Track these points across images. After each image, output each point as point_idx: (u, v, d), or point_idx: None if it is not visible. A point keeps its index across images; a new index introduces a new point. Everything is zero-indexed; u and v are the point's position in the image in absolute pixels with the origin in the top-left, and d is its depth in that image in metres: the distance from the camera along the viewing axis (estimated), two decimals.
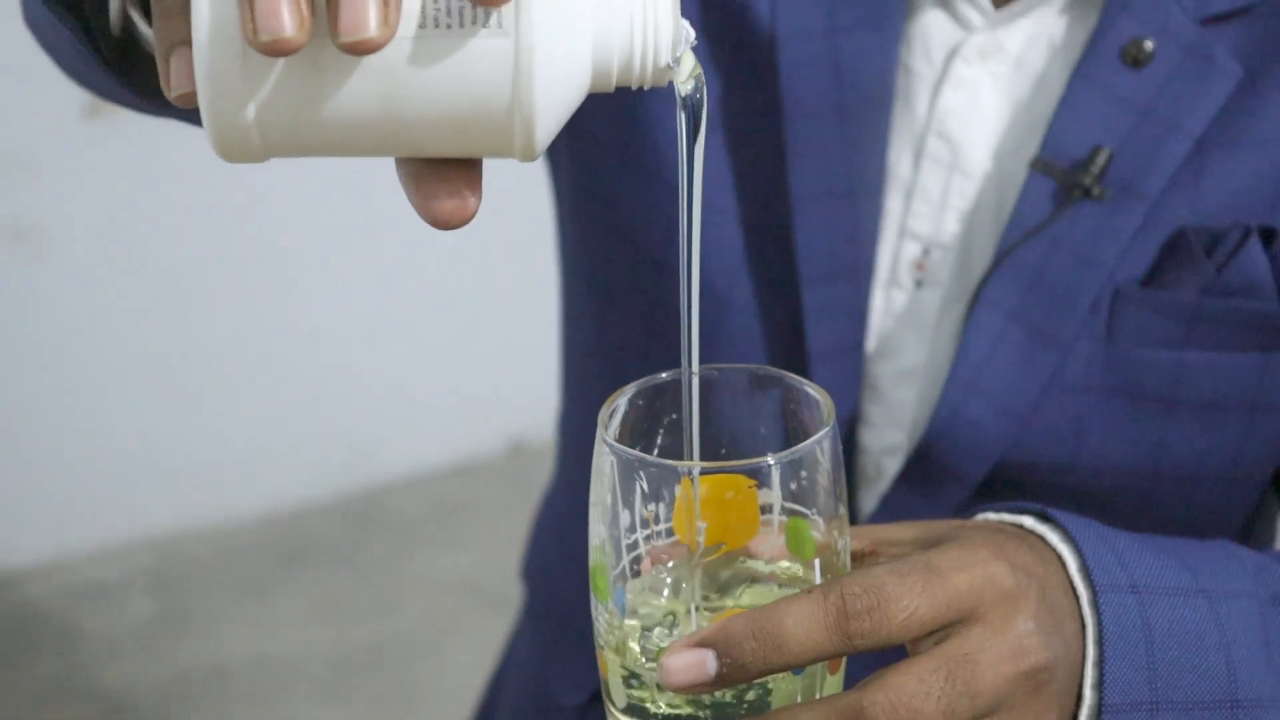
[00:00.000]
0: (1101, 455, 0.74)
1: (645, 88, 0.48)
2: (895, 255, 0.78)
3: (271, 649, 2.64)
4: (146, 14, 0.57)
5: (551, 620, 0.98)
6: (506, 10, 0.43)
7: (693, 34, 0.48)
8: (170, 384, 2.86)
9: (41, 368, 2.76)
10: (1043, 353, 0.73)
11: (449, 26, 0.42)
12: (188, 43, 0.43)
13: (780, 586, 0.55)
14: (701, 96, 0.50)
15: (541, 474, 3.12)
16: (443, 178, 0.45)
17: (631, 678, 0.54)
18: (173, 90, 0.44)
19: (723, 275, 0.77)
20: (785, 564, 0.55)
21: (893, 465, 0.79)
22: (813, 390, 0.55)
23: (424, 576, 2.81)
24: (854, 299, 0.76)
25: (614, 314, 0.84)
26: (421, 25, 0.42)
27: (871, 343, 0.78)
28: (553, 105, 0.45)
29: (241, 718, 2.48)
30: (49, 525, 2.85)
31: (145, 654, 2.64)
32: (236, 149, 0.44)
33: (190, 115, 0.61)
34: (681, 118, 0.51)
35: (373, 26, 0.40)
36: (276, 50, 0.40)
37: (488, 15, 0.43)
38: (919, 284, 0.77)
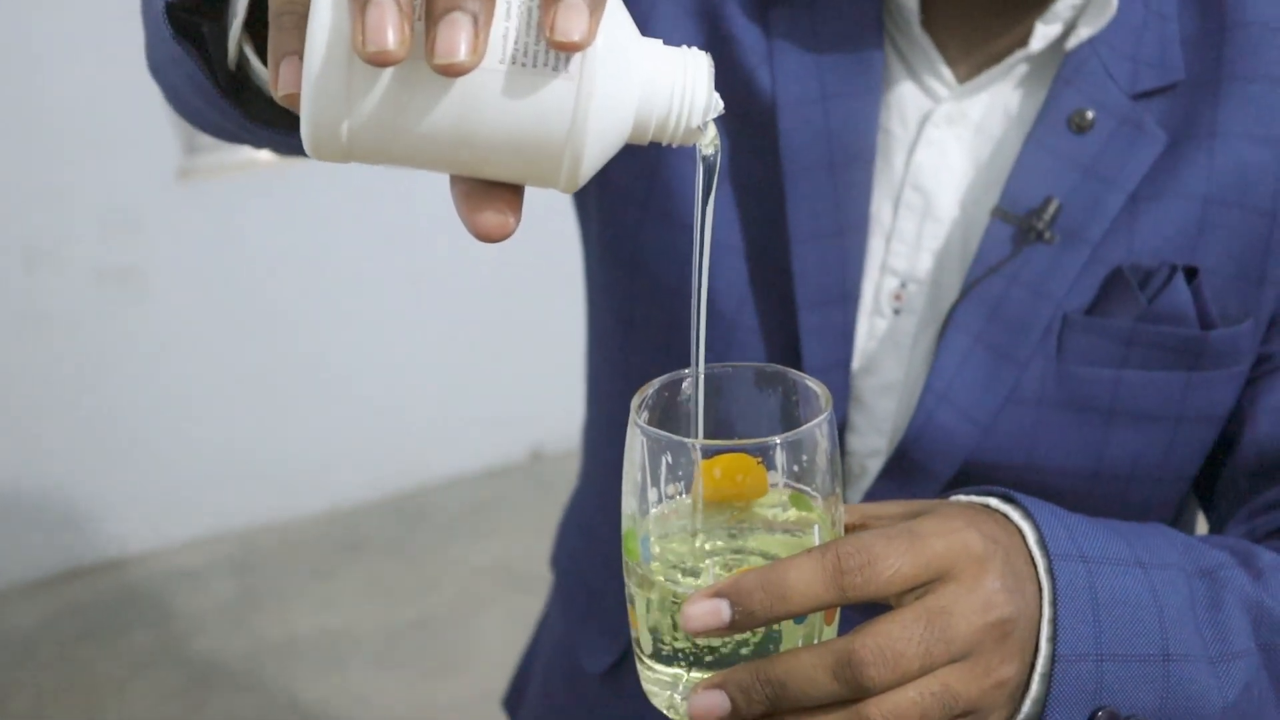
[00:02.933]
0: (1051, 458, 0.73)
1: (674, 145, 0.47)
2: (877, 288, 0.77)
3: (333, 624, 2.63)
4: (256, 49, 0.58)
5: (578, 603, 0.97)
6: (575, 58, 0.42)
7: (721, 104, 0.47)
8: (248, 402, 2.85)
9: (140, 390, 2.76)
10: (1003, 370, 0.72)
11: (524, 65, 0.42)
12: (297, 54, 0.43)
13: (783, 534, 0.54)
14: (717, 158, 0.50)
15: (558, 476, 3.15)
16: (490, 197, 0.45)
17: (658, 628, 0.53)
18: (280, 90, 0.43)
19: (730, 301, 0.77)
20: (789, 514, 0.54)
21: (875, 465, 0.78)
22: (812, 384, 0.54)
23: (461, 562, 2.80)
24: (843, 323, 0.75)
25: (635, 338, 0.83)
26: (501, 60, 0.42)
27: (857, 361, 0.77)
28: (599, 146, 0.44)
29: (307, 682, 2.47)
30: (146, 520, 2.84)
31: (226, 629, 2.62)
32: (325, 146, 0.43)
33: (283, 137, 0.62)
34: (700, 174, 0.50)
35: (463, 53, 0.40)
36: (380, 61, 0.39)
37: (559, 60, 0.42)
38: (897, 312, 0.77)
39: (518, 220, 0.45)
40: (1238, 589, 0.59)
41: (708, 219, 0.51)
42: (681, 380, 0.55)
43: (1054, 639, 0.53)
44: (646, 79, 0.45)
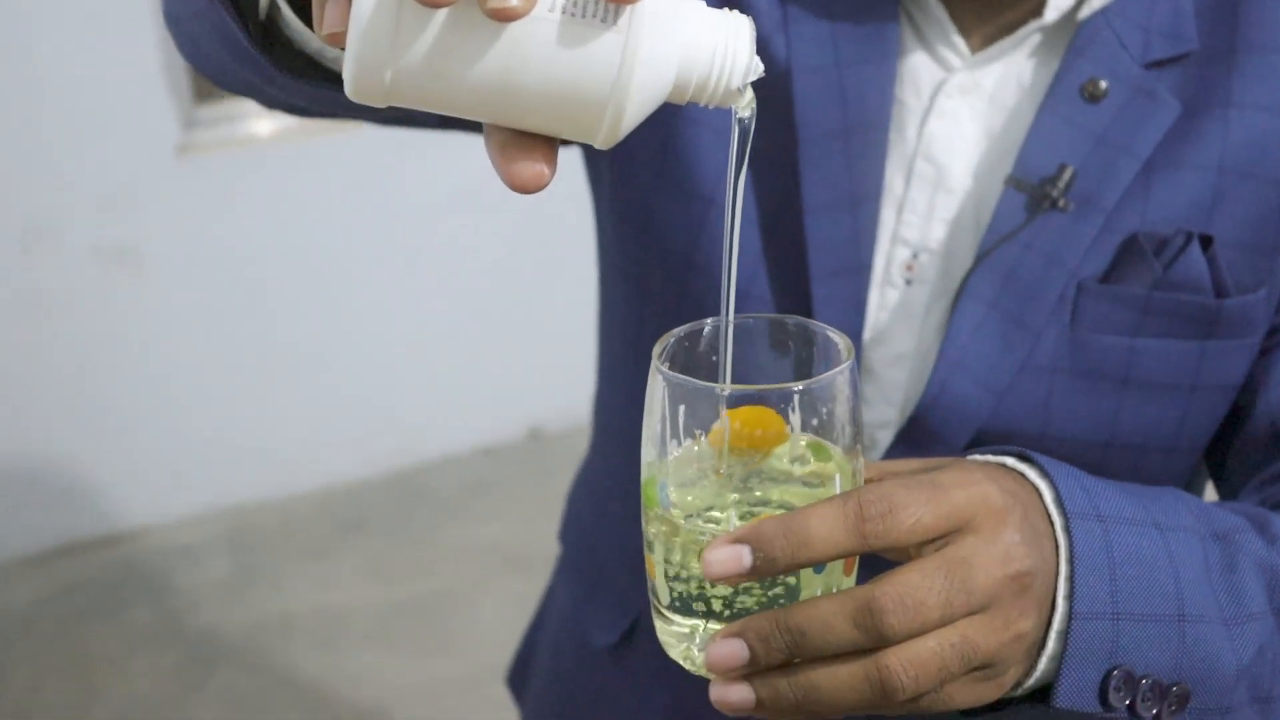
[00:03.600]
0: (1065, 426, 0.73)
1: (711, 106, 0.48)
2: (889, 259, 0.76)
3: (330, 602, 2.63)
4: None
5: (587, 575, 0.97)
6: (624, 12, 0.43)
7: (761, 67, 0.47)
8: (245, 379, 2.85)
9: (137, 366, 2.75)
10: (1017, 338, 0.72)
11: (573, 15, 0.42)
12: None
13: (802, 485, 0.54)
14: (752, 122, 0.50)
15: (556, 456, 3.15)
16: (527, 149, 0.45)
17: (677, 576, 0.53)
18: (324, 29, 0.43)
19: (743, 272, 0.76)
20: (810, 465, 0.54)
21: (885, 438, 0.78)
22: (834, 335, 0.54)
23: (457, 542, 2.80)
24: (855, 293, 0.75)
25: (647, 308, 0.83)
26: (551, 9, 0.42)
27: (868, 333, 0.77)
28: (640, 101, 0.44)
29: (304, 660, 2.47)
30: (143, 497, 2.84)
31: (223, 606, 2.62)
32: (366, 87, 0.43)
33: (310, 88, 0.61)
34: (735, 136, 0.50)
35: None
36: (434, 1, 0.39)
37: (608, 12, 0.42)
38: (909, 283, 0.76)
39: (553, 172, 0.45)
40: (1252, 553, 0.59)
41: (739, 185, 0.51)
42: (703, 330, 0.55)
43: (1070, 596, 0.53)
44: (690, 38, 0.45)
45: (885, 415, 0.78)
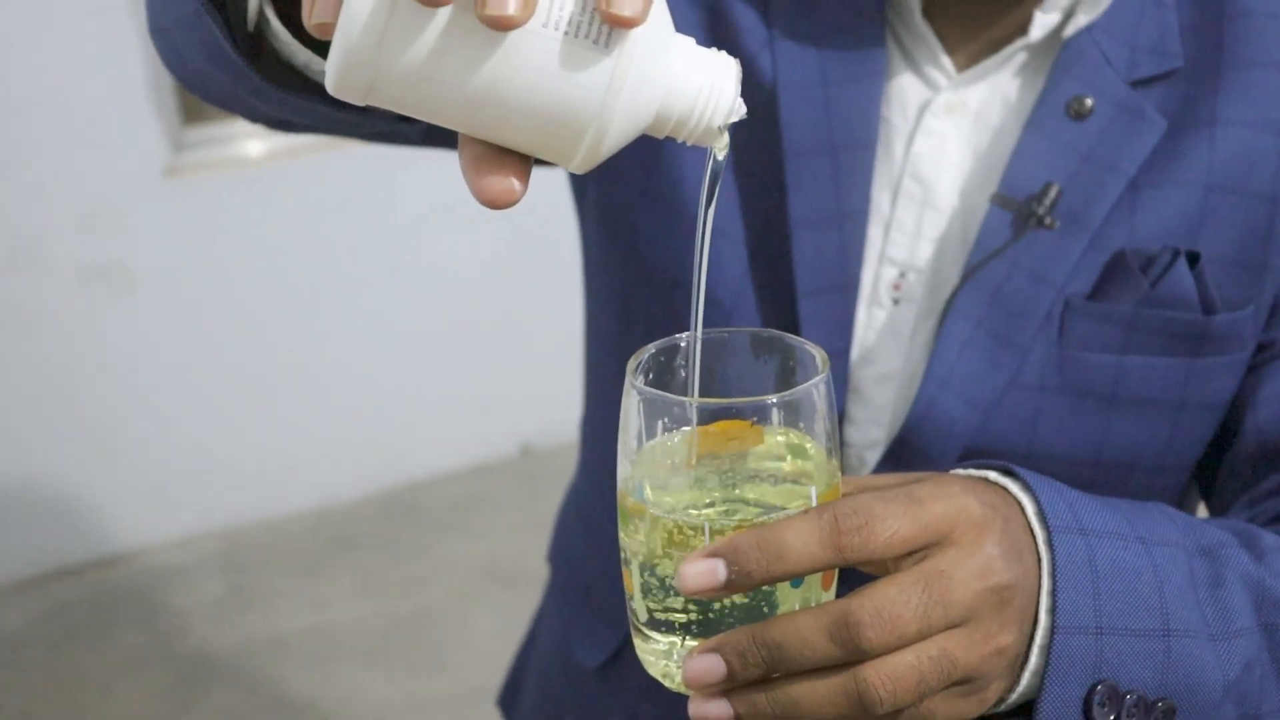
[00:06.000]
0: (1052, 445, 0.73)
1: (689, 143, 0.47)
2: (876, 278, 0.76)
3: (322, 621, 2.61)
4: (277, 10, 0.57)
5: (576, 595, 0.96)
6: (620, 35, 0.42)
7: (744, 109, 0.47)
8: (235, 398, 2.84)
9: (126, 387, 2.74)
10: (1004, 355, 0.72)
11: (568, 33, 0.42)
12: None
13: (778, 484, 0.53)
14: (724, 163, 0.50)
15: (547, 472, 3.14)
16: (501, 163, 0.44)
17: (653, 592, 0.52)
18: (314, 19, 0.42)
19: (729, 290, 0.76)
20: (786, 464, 0.53)
21: (873, 458, 0.77)
22: (810, 347, 0.54)
23: (449, 559, 2.79)
24: (841, 311, 0.74)
25: (632, 327, 0.82)
26: (545, 24, 0.42)
27: (855, 352, 0.76)
28: (622, 129, 0.44)
29: (296, 680, 2.45)
30: (133, 518, 2.83)
31: (215, 626, 2.61)
32: (348, 83, 0.42)
33: (294, 100, 0.61)
34: (707, 175, 0.50)
35: (514, 7, 0.39)
36: (432, 0, 0.39)
37: (601, 34, 0.42)
38: (896, 302, 0.76)
39: (524, 189, 0.45)
40: (1239, 568, 0.58)
41: (709, 221, 0.51)
42: (677, 345, 0.54)
43: (1053, 611, 0.53)
44: (678, 73, 0.45)
45: (873, 435, 0.77)
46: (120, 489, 2.79)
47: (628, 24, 0.41)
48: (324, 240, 2.80)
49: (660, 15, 0.44)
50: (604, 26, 0.42)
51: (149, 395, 2.76)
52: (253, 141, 2.75)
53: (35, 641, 2.58)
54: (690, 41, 0.46)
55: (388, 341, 2.94)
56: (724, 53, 0.47)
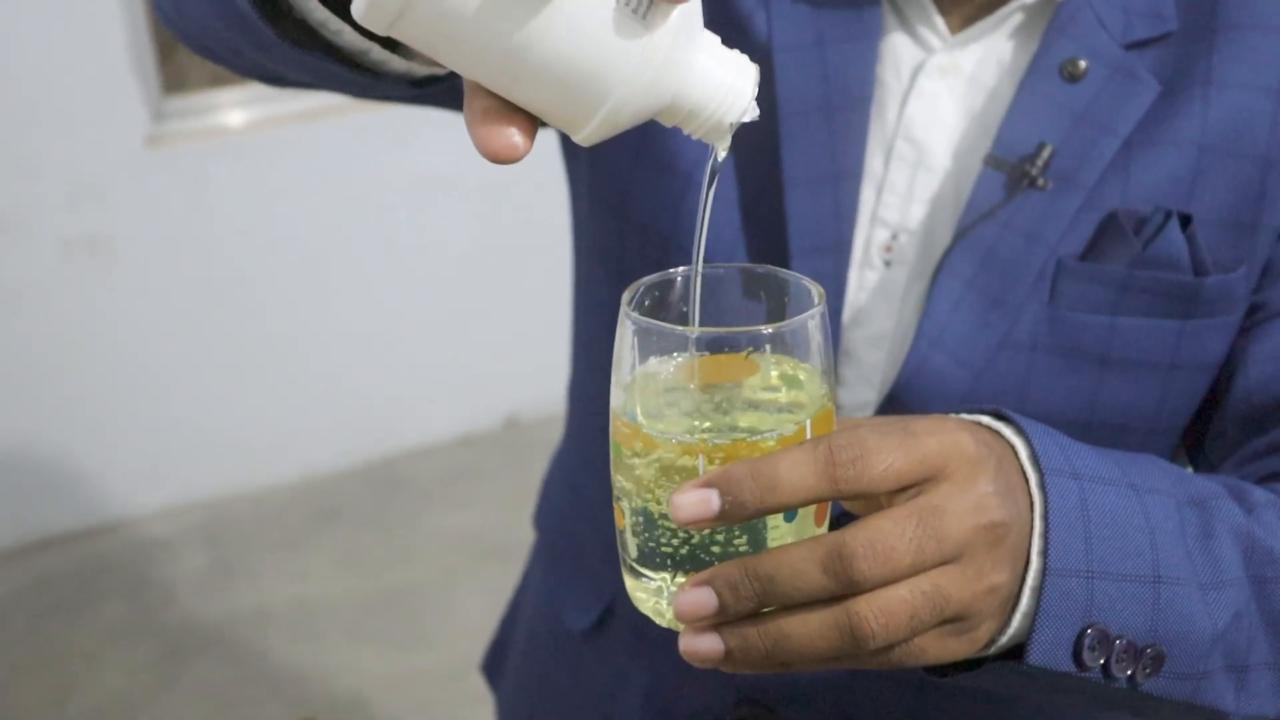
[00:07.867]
0: (1044, 405, 0.73)
1: (694, 136, 0.48)
2: (868, 240, 0.76)
3: (306, 594, 2.61)
4: None
5: (562, 559, 0.96)
6: (657, 10, 0.42)
7: (756, 113, 0.47)
8: (218, 371, 2.83)
9: (111, 359, 2.73)
10: (996, 315, 0.72)
11: None
12: None
13: (773, 413, 0.52)
14: (723, 162, 0.50)
15: (533, 444, 3.13)
16: (508, 118, 0.44)
17: (645, 525, 0.52)
18: None
19: (723, 248, 0.76)
20: (779, 394, 0.52)
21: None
22: (805, 281, 0.53)
23: (435, 531, 2.79)
24: (834, 271, 0.74)
25: (623, 287, 0.81)
26: None
27: (847, 314, 0.76)
28: (639, 106, 0.44)
29: (281, 652, 2.45)
30: (117, 490, 2.82)
31: (198, 599, 2.60)
32: (376, 10, 0.41)
33: (307, 58, 0.60)
34: (708, 176, 0.50)
35: None
36: None
37: (641, 6, 0.42)
38: (888, 264, 0.76)
39: (528, 148, 0.44)
40: (1229, 520, 0.58)
41: (707, 222, 0.51)
42: (672, 280, 0.54)
43: (1045, 553, 0.52)
44: (702, 65, 0.46)
45: (864, 396, 0.77)
46: (104, 461, 2.78)
47: (677, 0, 0.41)
48: (309, 211, 2.79)
49: (695, 6, 0.44)
50: (649, 0, 0.42)
51: (133, 367, 2.75)
52: (235, 111, 2.73)
53: (19, 612, 2.58)
54: (716, 39, 0.46)
55: (373, 313, 2.93)
56: (746, 56, 0.47)
